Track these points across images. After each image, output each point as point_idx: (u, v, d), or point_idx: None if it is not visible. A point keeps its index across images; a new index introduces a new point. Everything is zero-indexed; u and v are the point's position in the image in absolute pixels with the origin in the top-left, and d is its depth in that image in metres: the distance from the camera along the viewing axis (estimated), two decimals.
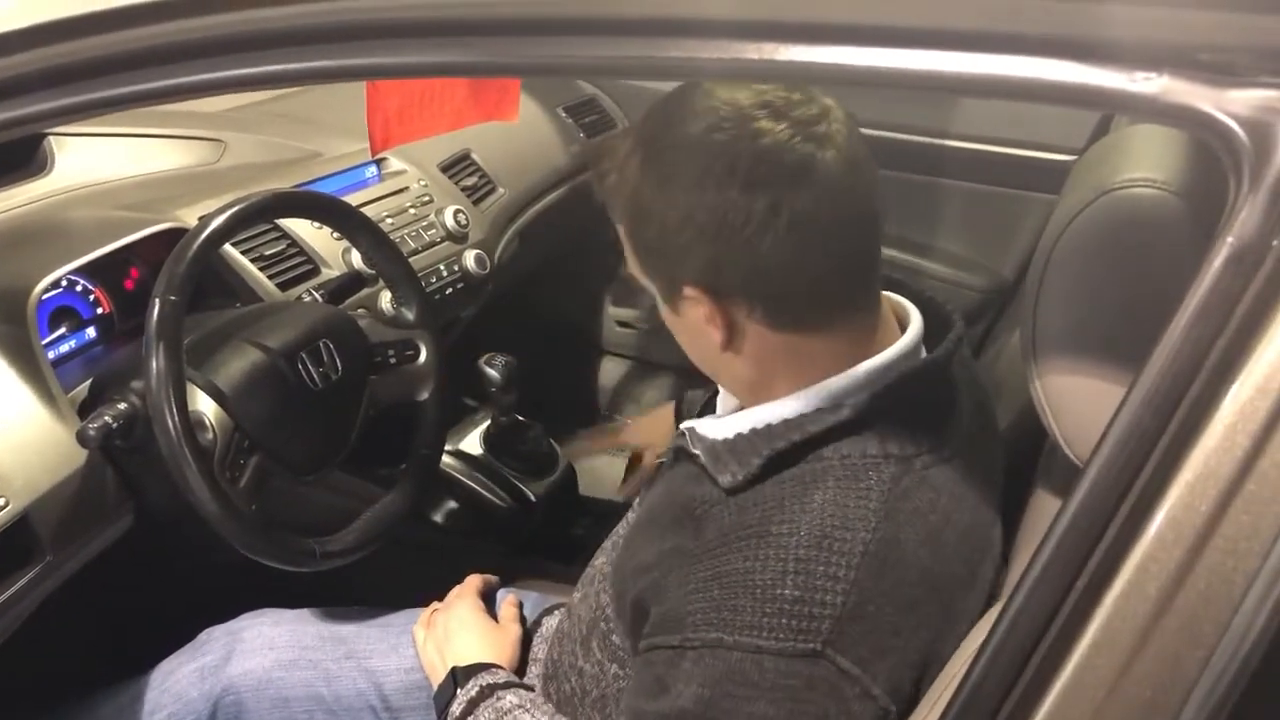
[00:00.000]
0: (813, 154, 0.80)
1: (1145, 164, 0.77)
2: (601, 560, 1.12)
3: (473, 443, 1.70)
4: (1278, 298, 0.49)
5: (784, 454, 0.85)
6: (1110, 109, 0.56)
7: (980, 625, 0.82)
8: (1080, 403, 0.77)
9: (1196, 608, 0.51)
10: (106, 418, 1.08)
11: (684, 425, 0.97)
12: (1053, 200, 1.92)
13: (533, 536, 1.69)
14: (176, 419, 1.02)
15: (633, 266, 0.93)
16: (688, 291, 0.85)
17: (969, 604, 0.86)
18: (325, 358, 1.21)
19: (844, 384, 0.87)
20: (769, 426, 0.88)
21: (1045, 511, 0.89)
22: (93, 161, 1.52)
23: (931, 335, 0.93)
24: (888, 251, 2.10)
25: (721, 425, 0.92)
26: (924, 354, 0.92)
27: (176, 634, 1.31)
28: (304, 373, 1.19)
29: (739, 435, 0.90)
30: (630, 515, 1.13)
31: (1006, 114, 1.96)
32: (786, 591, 0.79)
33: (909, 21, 0.54)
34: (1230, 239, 0.51)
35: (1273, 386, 0.49)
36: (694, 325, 0.89)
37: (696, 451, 0.91)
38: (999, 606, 0.58)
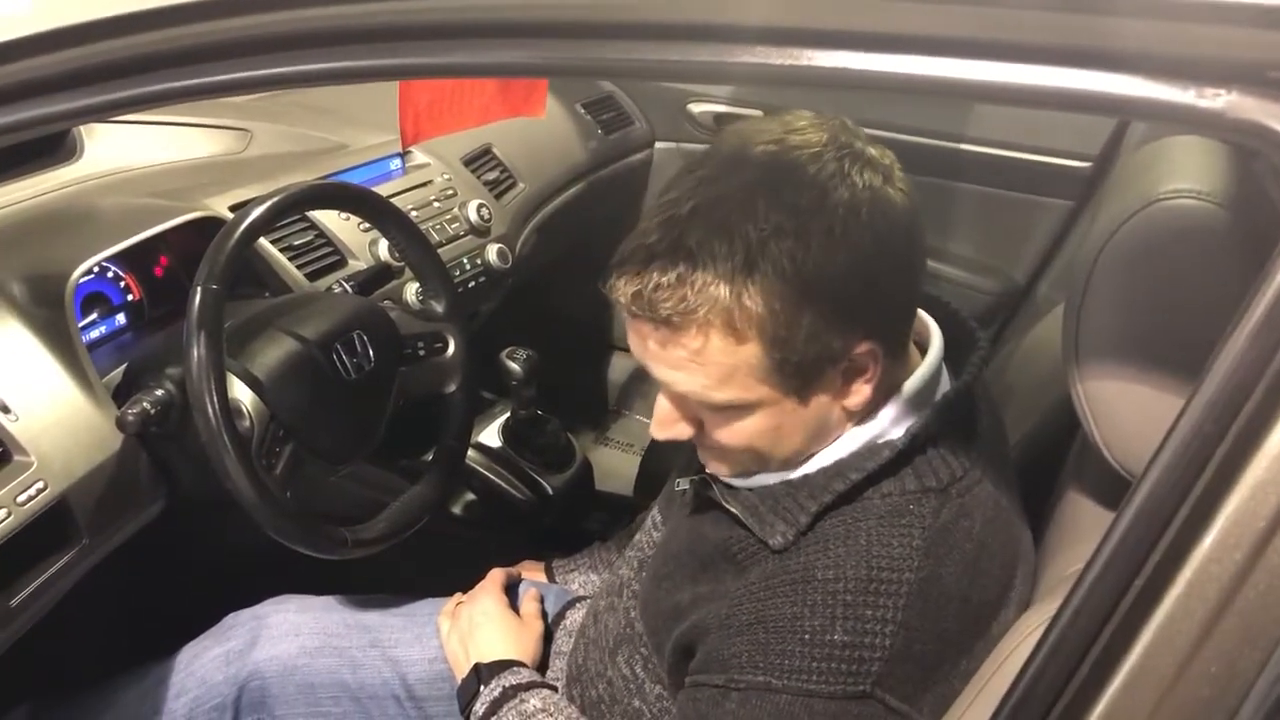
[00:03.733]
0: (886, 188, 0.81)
1: (1189, 174, 0.78)
2: (626, 573, 1.13)
3: (491, 435, 1.71)
4: None
5: (829, 505, 0.85)
6: (1178, 123, 0.57)
7: (1012, 630, 0.83)
8: (1124, 409, 0.78)
9: (1256, 610, 0.53)
10: (145, 404, 1.09)
11: (709, 471, 0.95)
12: (1066, 205, 1.97)
13: (549, 529, 1.70)
14: (217, 407, 1.03)
15: (743, 390, 0.82)
16: (859, 350, 0.82)
17: (1004, 624, 0.87)
18: (359, 349, 1.22)
19: (885, 420, 0.87)
20: (806, 476, 0.88)
21: (1079, 513, 0.91)
22: (121, 149, 1.53)
23: (950, 347, 0.93)
24: None
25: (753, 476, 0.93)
26: (946, 374, 0.92)
27: (201, 618, 1.32)
28: (338, 363, 1.20)
29: (774, 486, 0.90)
30: (654, 533, 1.13)
31: (1021, 119, 1.97)
32: (836, 637, 0.80)
33: (985, 35, 0.55)
34: None
35: None
36: (818, 406, 0.85)
37: (731, 508, 0.91)
38: (1053, 605, 0.60)
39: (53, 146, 1.45)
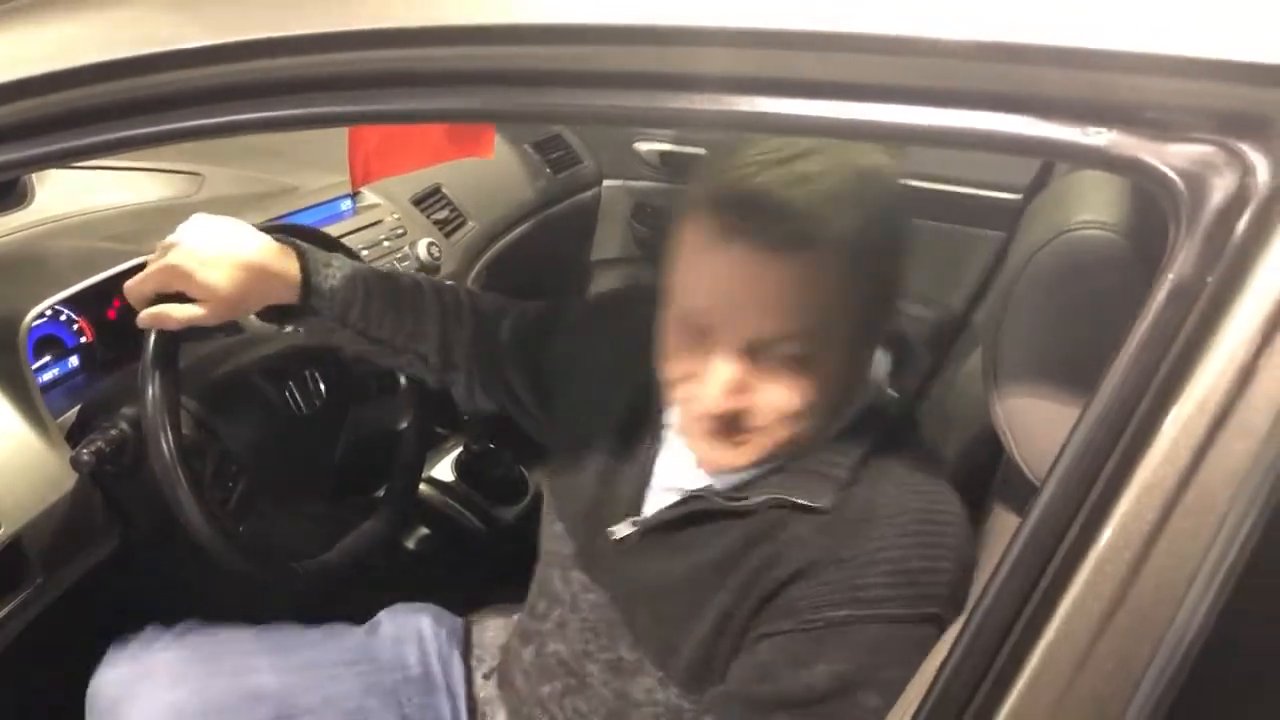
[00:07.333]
0: None
1: (1095, 207, 0.83)
2: (566, 647, 1.07)
3: (444, 469, 1.74)
4: (1212, 327, 0.56)
5: (861, 457, 0.93)
6: (1066, 159, 0.62)
7: (942, 640, 0.87)
8: (1038, 426, 0.82)
9: (1145, 606, 0.57)
10: (100, 443, 1.11)
11: (693, 490, 0.95)
12: (998, 236, 2.04)
13: (502, 562, 1.72)
14: (171, 444, 1.05)
15: (827, 333, 0.83)
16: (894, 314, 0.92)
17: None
18: (311, 386, 1.25)
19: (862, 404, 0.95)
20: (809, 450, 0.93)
21: (1003, 529, 0.95)
22: (72, 193, 1.54)
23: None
24: None
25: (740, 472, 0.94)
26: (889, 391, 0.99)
27: None
28: (290, 400, 1.22)
29: (783, 466, 0.93)
30: (589, 595, 1.04)
31: (955, 155, 2.04)
32: (914, 564, 0.85)
33: (897, 80, 0.60)
34: (1170, 276, 0.57)
35: (1210, 406, 0.55)
36: (855, 369, 0.91)
37: (759, 498, 0.90)
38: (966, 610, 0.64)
39: (3, 192, 1.47)
